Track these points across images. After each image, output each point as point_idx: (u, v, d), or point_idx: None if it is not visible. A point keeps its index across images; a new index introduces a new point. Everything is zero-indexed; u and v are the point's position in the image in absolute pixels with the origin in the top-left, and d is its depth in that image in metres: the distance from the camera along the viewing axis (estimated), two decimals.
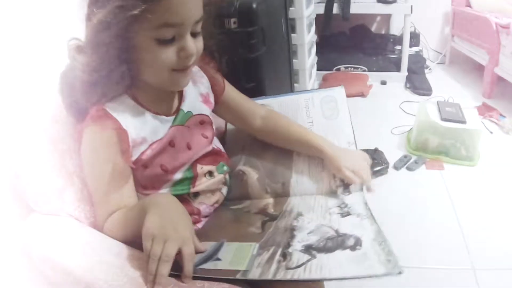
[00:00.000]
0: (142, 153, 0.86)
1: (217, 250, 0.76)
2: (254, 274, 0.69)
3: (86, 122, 0.83)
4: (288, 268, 0.70)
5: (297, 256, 0.73)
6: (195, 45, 0.81)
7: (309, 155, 1.04)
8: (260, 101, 1.18)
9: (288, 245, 0.78)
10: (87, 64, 0.77)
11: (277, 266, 0.71)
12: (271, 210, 0.95)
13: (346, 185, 0.97)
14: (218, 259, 0.74)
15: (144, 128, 0.86)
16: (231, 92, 1.08)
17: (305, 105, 1.15)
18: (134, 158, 0.84)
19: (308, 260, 0.72)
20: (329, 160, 0.98)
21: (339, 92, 1.16)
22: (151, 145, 0.87)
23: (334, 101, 1.14)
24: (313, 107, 1.14)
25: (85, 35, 0.79)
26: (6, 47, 0.89)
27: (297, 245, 0.78)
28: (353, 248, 0.75)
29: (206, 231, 0.90)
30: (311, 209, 0.92)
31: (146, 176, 0.88)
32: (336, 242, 0.78)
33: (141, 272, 0.69)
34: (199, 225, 0.94)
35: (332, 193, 0.98)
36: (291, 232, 0.83)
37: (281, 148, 1.07)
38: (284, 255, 0.74)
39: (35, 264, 0.78)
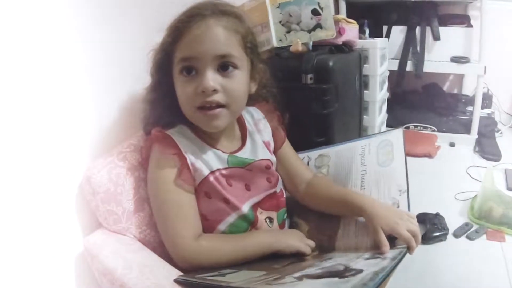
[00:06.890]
0: (205, 178, 0.90)
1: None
2: (235, 282, 0.71)
3: (151, 141, 0.92)
4: (267, 284, 0.68)
5: (286, 280, 0.69)
6: (219, 82, 0.86)
7: (352, 216, 0.96)
8: (319, 151, 1.21)
9: (289, 274, 0.72)
10: (150, 87, 0.96)
11: (260, 282, 0.69)
12: (308, 258, 0.91)
13: (392, 239, 0.85)
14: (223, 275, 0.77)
15: (203, 156, 0.91)
16: (287, 148, 1.11)
17: (361, 152, 1.11)
18: (197, 182, 0.90)
19: (290, 282, 0.68)
20: (368, 219, 0.89)
21: (396, 135, 1.10)
22: (212, 172, 0.91)
23: (390, 146, 1.08)
24: (369, 154, 1.10)
25: None
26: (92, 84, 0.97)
27: (296, 274, 0.72)
28: (341, 275, 0.68)
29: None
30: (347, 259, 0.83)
31: (211, 207, 0.91)
32: (333, 274, 0.71)
33: None
34: None
35: (377, 248, 0.84)
36: (305, 267, 0.78)
37: None
38: (276, 279, 0.70)
39: (94, 274, 0.84)
